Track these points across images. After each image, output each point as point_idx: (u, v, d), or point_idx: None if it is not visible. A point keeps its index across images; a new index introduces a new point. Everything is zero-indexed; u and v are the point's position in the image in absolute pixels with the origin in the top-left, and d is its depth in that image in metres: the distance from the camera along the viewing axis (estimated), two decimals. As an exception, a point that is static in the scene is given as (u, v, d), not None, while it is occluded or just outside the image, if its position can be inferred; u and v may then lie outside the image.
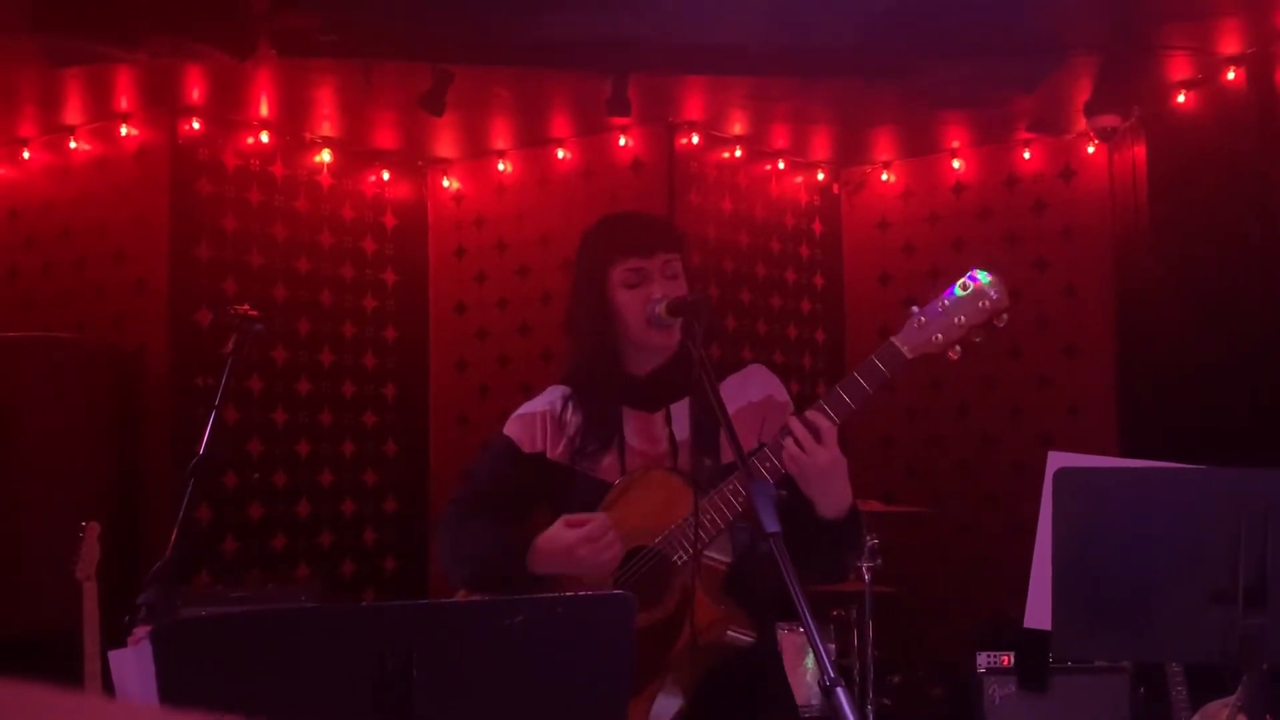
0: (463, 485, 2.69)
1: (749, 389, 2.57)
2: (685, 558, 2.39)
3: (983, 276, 2.31)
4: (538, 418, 2.63)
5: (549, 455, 2.59)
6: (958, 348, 2.31)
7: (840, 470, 2.33)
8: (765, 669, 2.52)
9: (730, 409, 2.47)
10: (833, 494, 2.34)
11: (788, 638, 4.99)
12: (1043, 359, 6.80)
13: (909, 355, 2.31)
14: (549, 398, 2.65)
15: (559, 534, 2.41)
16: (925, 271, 7.04)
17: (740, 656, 2.41)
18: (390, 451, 6.86)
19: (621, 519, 2.46)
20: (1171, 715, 3.64)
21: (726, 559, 2.42)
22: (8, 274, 6.52)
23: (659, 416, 2.56)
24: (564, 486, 2.56)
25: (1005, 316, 2.31)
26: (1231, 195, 5.55)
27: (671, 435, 2.53)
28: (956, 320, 2.29)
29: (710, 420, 2.45)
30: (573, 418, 2.59)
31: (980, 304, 2.29)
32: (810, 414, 2.30)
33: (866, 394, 2.32)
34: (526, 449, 2.61)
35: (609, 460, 2.54)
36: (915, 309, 2.33)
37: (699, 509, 2.34)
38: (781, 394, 2.60)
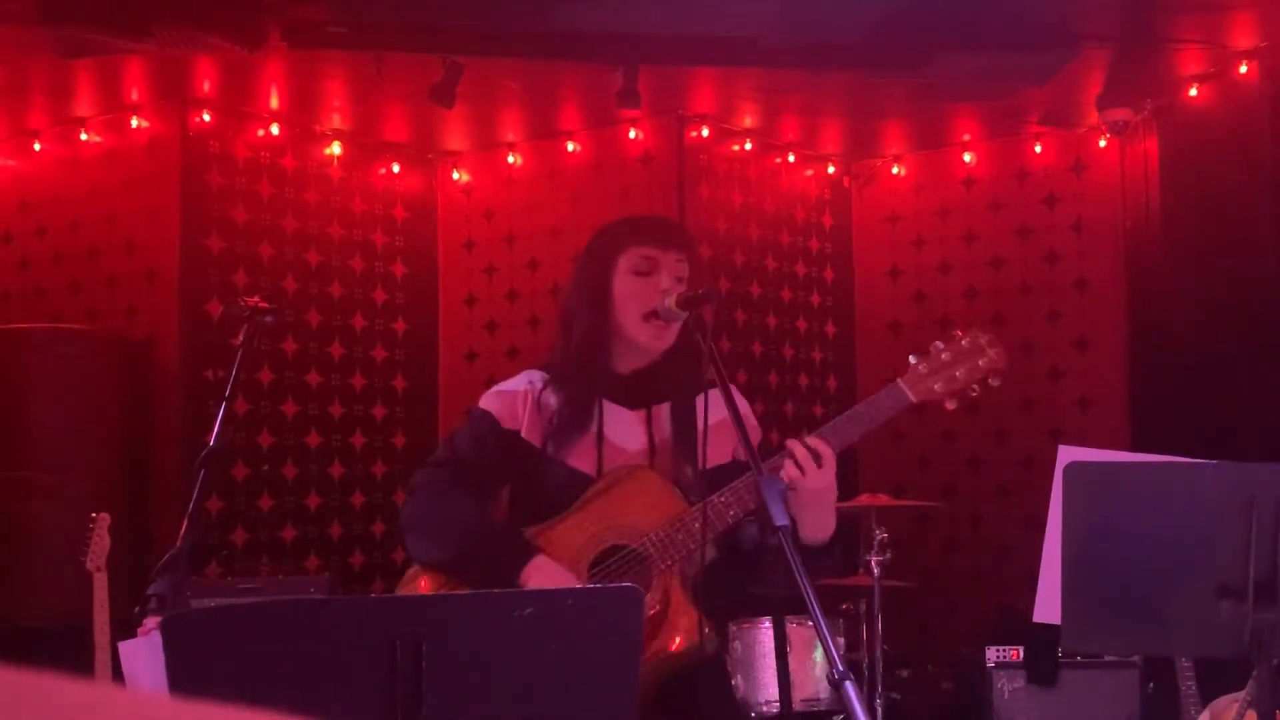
0: (443, 450, 2.67)
1: (722, 406, 2.57)
2: (669, 561, 2.39)
3: (982, 336, 2.44)
4: (518, 396, 2.63)
5: (524, 434, 2.58)
6: (954, 400, 2.43)
7: (831, 498, 2.37)
8: (716, 672, 2.54)
9: (709, 420, 2.48)
10: (819, 520, 2.38)
11: (796, 631, 4.99)
12: (1054, 352, 6.79)
13: (914, 399, 2.41)
14: (527, 378, 2.65)
15: (573, 575, 2.43)
16: (935, 265, 7.03)
17: (704, 662, 2.42)
18: (400, 443, 6.87)
19: (604, 515, 2.46)
20: (1181, 710, 3.63)
21: (700, 568, 2.43)
22: (19, 264, 6.54)
23: (639, 415, 2.56)
24: (536, 469, 2.56)
25: (1000, 379, 2.43)
26: (1243, 189, 5.53)
27: (651, 436, 2.53)
28: (956, 374, 2.41)
29: (690, 428, 2.48)
30: (552, 402, 2.59)
31: (978, 362, 2.41)
32: (813, 440, 2.33)
33: (867, 428, 2.40)
34: (505, 425, 2.60)
35: (586, 451, 2.54)
36: (913, 358, 2.43)
37: (692, 515, 2.36)
38: (751, 415, 2.60)
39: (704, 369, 2.48)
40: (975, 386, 2.42)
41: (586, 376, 2.57)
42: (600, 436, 2.54)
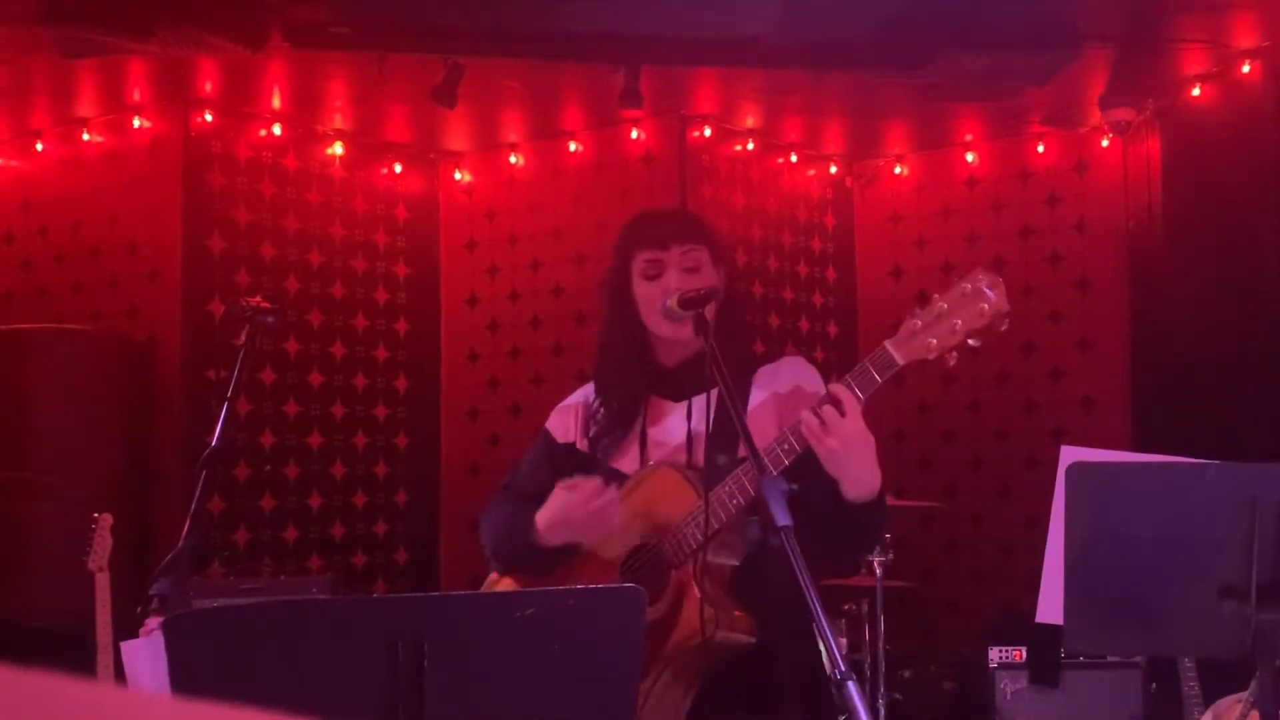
0: (508, 476, 2.77)
1: (777, 381, 2.56)
2: (682, 557, 2.39)
3: (983, 278, 2.21)
4: (573, 409, 2.69)
5: (579, 445, 2.64)
6: (955, 354, 2.22)
7: (868, 444, 2.24)
8: (779, 669, 2.51)
9: (755, 400, 2.46)
10: (861, 472, 2.26)
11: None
12: (1056, 353, 6.78)
13: (901, 361, 2.23)
14: (587, 390, 2.70)
15: (554, 499, 2.47)
16: (938, 265, 7.02)
17: (750, 656, 2.39)
18: (401, 444, 6.88)
19: (628, 516, 2.47)
20: (1183, 711, 3.63)
21: (733, 561, 2.40)
22: (21, 264, 6.55)
23: (681, 408, 2.56)
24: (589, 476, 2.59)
25: (1006, 322, 2.20)
26: (1246, 189, 5.53)
27: (690, 428, 2.53)
28: (954, 324, 2.19)
29: (732, 413, 2.43)
30: (600, 408, 2.64)
31: (980, 307, 2.19)
32: (833, 387, 2.25)
33: (859, 400, 2.27)
34: (560, 439, 2.67)
35: (629, 450, 2.57)
36: (916, 310, 2.23)
37: (700, 508, 2.34)
38: (813, 384, 2.54)
39: (745, 356, 2.49)
40: (977, 335, 2.18)
41: (628, 378, 2.59)
42: (644, 435, 2.56)
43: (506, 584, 2.63)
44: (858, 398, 2.23)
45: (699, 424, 2.52)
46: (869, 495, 2.28)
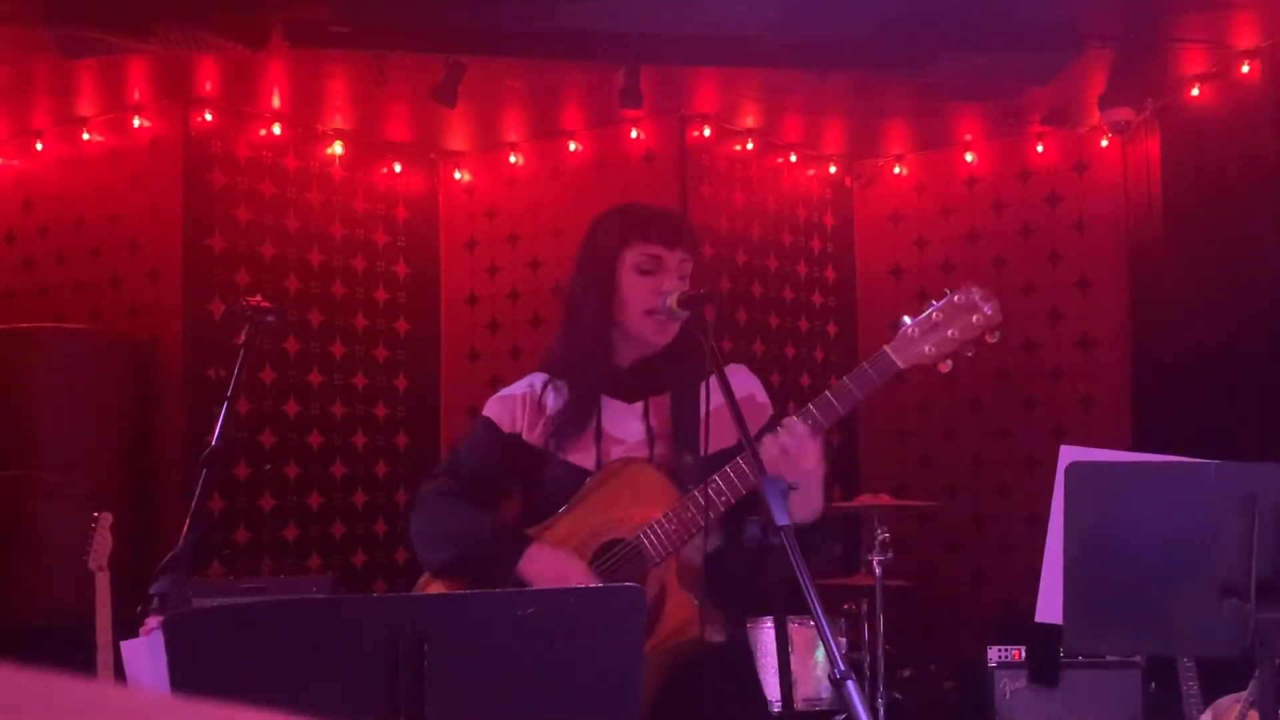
0: (445, 461, 2.71)
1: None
2: (664, 553, 2.39)
3: (976, 291, 2.33)
4: (517, 399, 2.64)
5: (525, 437, 2.60)
6: (949, 361, 2.33)
7: (817, 477, 2.36)
8: (735, 667, 2.52)
9: (714, 403, 2.46)
10: (805, 498, 2.33)
11: (798, 631, 5.00)
12: (1056, 352, 6.79)
13: (902, 365, 2.33)
14: (528, 381, 2.67)
15: (569, 557, 2.42)
16: (938, 265, 7.03)
17: (711, 654, 2.40)
18: (401, 443, 6.88)
19: (600, 509, 2.46)
20: (1183, 710, 3.63)
21: (699, 558, 2.41)
22: (22, 264, 6.55)
23: (637, 408, 2.56)
24: (538, 469, 2.57)
25: (998, 334, 2.32)
26: (1245, 188, 5.53)
27: (649, 427, 2.53)
28: (949, 334, 2.31)
29: (691, 416, 2.46)
30: (552, 401, 2.60)
31: (973, 318, 2.31)
32: (789, 420, 2.33)
33: (856, 400, 2.35)
34: (505, 429, 2.62)
35: (585, 446, 2.55)
36: (907, 319, 2.34)
37: (683, 504, 2.36)
38: (761, 395, 2.61)
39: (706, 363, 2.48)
40: (970, 345, 2.32)
41: (589, 371, 2.57)
42: (599, 431, 2.54)
43: (435, 588, 2.57)
44: (821, 426, 2.34)
45: (658, 424, 2.53)
46: (810, 518, 2.38)
